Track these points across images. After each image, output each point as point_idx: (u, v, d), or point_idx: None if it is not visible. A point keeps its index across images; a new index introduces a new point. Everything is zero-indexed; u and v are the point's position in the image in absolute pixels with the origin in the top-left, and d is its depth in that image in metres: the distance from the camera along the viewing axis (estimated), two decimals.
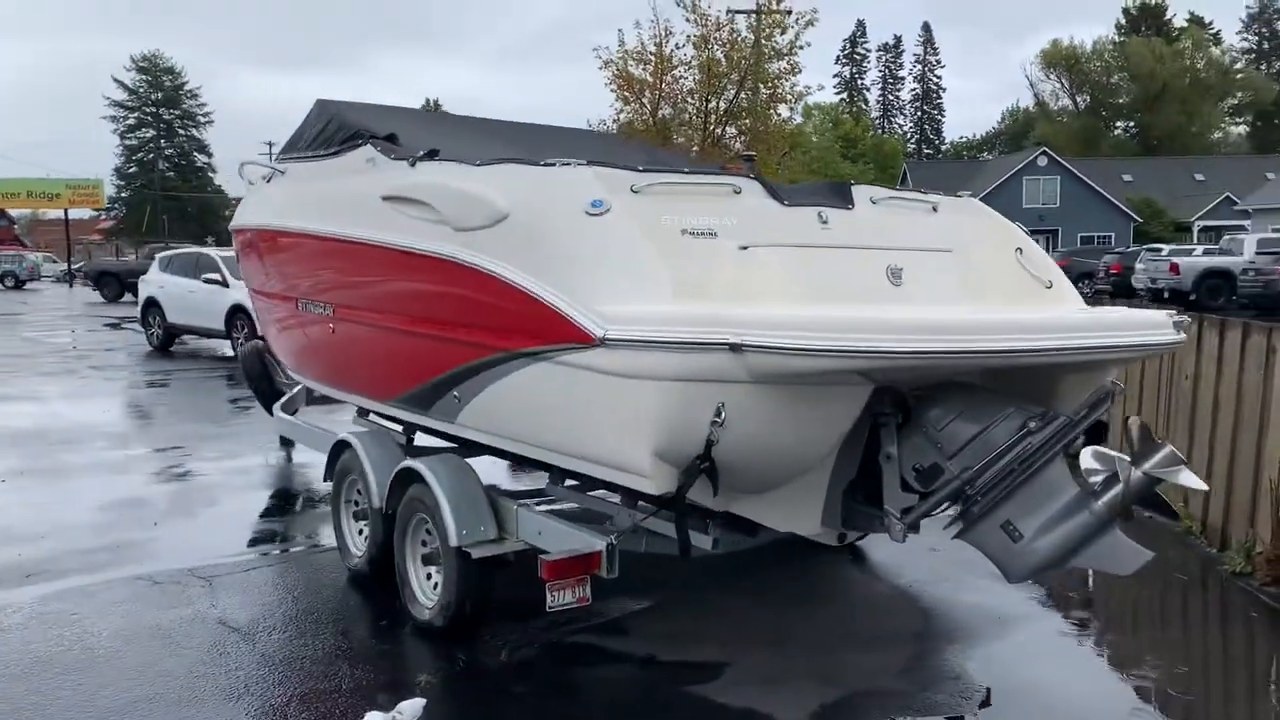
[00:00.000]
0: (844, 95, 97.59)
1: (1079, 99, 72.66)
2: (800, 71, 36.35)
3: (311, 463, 9.52)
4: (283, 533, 7.41)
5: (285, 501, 8.32)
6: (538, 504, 5.47)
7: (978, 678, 4.88)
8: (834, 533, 4.91)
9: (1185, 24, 76.35)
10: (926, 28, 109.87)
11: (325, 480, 6.60)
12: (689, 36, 34.35)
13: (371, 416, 7.51)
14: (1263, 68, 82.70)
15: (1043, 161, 57.11)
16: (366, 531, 6.27)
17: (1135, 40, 69.71)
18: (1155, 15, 77.68)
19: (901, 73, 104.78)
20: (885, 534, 4.70)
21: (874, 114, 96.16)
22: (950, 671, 4.96)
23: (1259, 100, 73.35)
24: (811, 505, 4.66)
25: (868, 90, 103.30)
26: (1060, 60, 70.92)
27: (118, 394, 14.62)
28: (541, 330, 4.34)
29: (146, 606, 5.82)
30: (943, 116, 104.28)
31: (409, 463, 5.51)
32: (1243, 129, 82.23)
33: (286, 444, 10.71)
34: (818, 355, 3.65)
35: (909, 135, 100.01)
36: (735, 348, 3.73)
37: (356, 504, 6.40)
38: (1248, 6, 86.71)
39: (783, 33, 33.89)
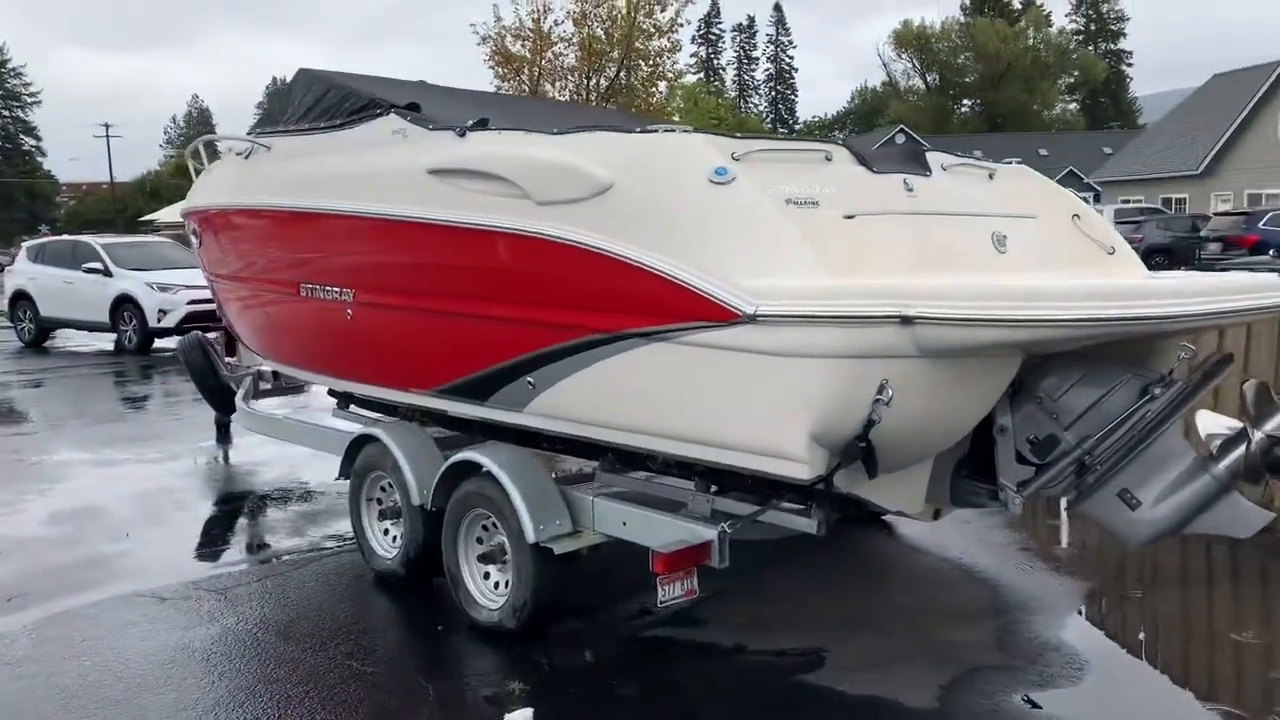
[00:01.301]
0: (700, 75, 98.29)
1: (929, 78, 75.15)
2: (680, 49, 36.50)
3: (255, 461, 8.97)
4: (274, 536, 6.87)
5: (254, 503, 7.73)
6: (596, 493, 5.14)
7: (1079, 648, 4.85)
8: (931, 509, 4.80)
9: (1021, 5, 79.72)
10: (778, 8, 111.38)
11: (340, 478, 6.12)
12: (569, 12, 34.02)
13: (353, 408, 7.08)
14: (1091, 48, 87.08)
15: (900, 139, 58.80)
16: (395, 531, 5.86)
17: (980, 21, 72.45)
18: None
19: (755, 53, 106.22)
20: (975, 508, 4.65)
21: (731, 93, 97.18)
22: (1048, 643, 4.92)
23: (1092, 79, 77.30)
24: (918, 482, 4.53)
25: (723, 70, 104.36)
26: (911, 41, 73.17)
27: (5, 396, 13.46)
28: (661, 308, 4.06)
29: (165, 627, 5.28)
30: (796, 96, 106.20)
31: (469, 455, 5.14)
32: (1074, 106, 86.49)
33: (224, 441, 10.07)
34: (997, 326, 3.50)
35: (765, 115, 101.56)
36: (906, 320, 3.55)
37: (380, 501, 5.96)
38: None
39: (663, 9, 33.88)
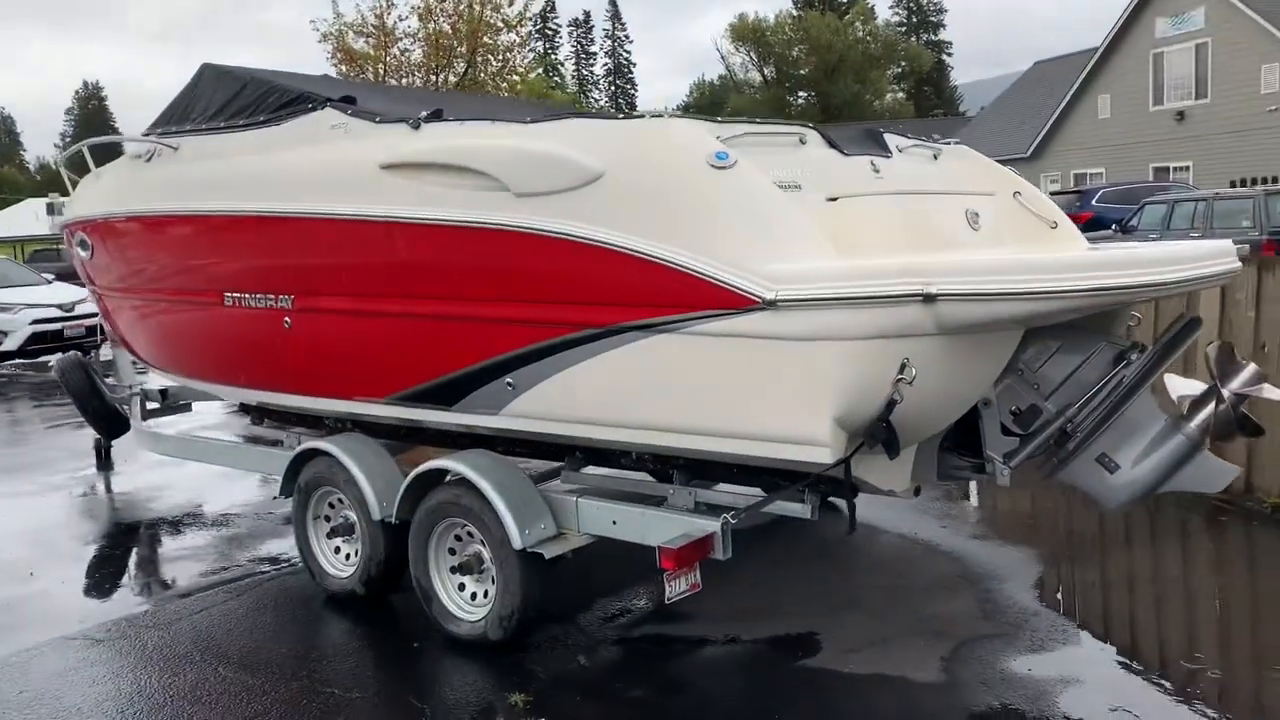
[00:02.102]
0: (539, 71, 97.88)
1: (766, 71, 76.79)
2: (530, 44, 36.17)
3: (151, 485, 8.46)
4: (202, 564, 6.42)
5: (166, 530, 7.20)
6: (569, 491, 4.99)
7: (1056, 612, 4.99)
8: (913, 487, 4.85)
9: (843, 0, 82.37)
10: (614, 3, 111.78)
11: (282, 496, 5.77)
12: (414, 7, 33.28)
13: (267, 422, 6.72)
14: (913, 39, 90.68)
15: None
16: (348, 548, 5.57)
17: (812, 15, 74.42)
18: None
19: (593, 48, 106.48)
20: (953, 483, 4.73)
21: (571, 88, 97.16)
22: (1027, 609, 5.04)
23: (918, 69, 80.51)
24: (905, 461, 4.55)
25: (562, 65, 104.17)
26: (748, 34, 74.56)
27: None
28: (664, 298, 3.95)
29: (110, 671, 4.86)
30: (636, 91, 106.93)
31: (443, 462, 4.91)
32: (902, 95, 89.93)
33: (105, 467, 9.42)
34: (1019, 299, 3.54)
35: (606, 109, 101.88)
36: (929, 298, 3.55)
37: (329, 519, 5.65)
38: None
39: (510, 3, 33.51)
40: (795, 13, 77.34)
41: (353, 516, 5.51)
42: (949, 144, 5.69)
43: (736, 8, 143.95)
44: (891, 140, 5.07)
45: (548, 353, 4.41)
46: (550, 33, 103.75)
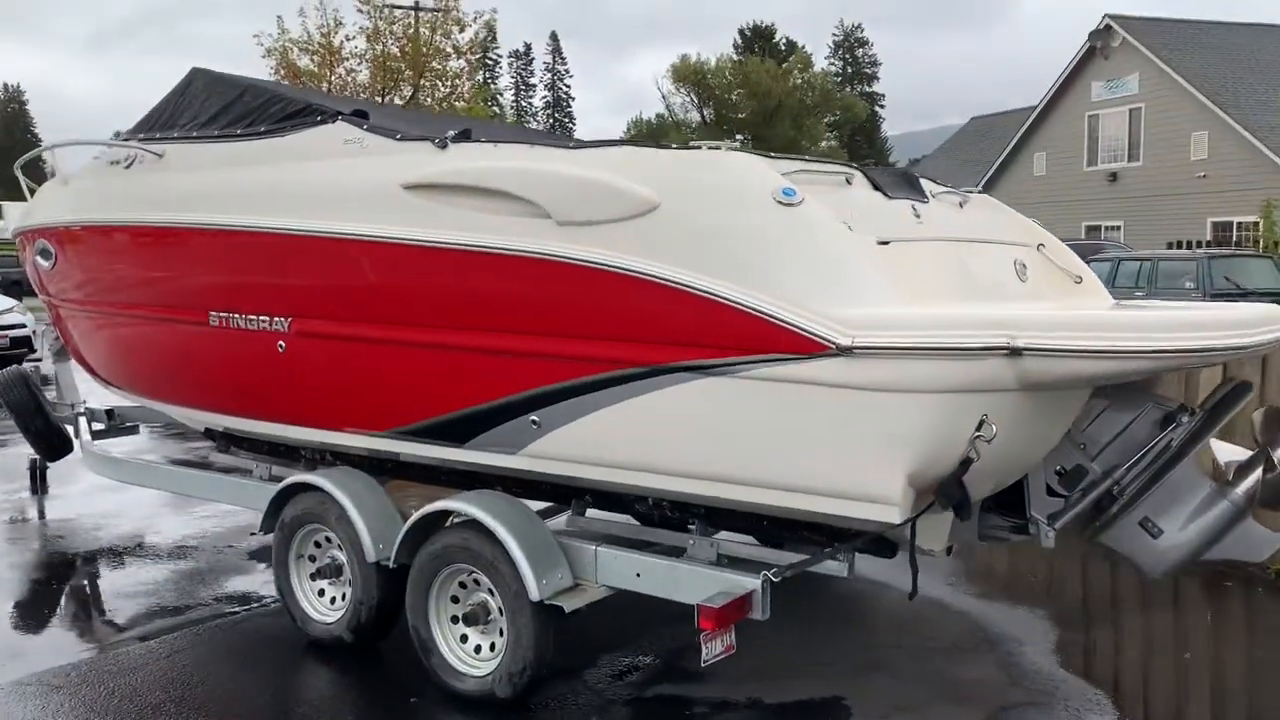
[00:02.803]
0: (482, 101, 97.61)
1: (705, 112, 77.47)
2: (481, 70, 35.89)
3: (95, 513, 7.94)
4: (164, 601, 5.96)
5: (118, 563, 6.70)
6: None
7: (1084, 678, 4.83)
8: (946, 546, 4.66)
9: (783, 47, 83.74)
10: (554, 37, 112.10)
11: (263, 533, 5.38)
12: (361, 28, 32.87)
13: (236, 452, 6.31)
14: (848, 89, 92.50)
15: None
16: (333, 591, 5.19)
17: (752, 60, 75.37)
18: (766, 37, 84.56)
19: (533, 80, 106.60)
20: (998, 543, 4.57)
21: (510, 118, 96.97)
22: (1053, 675, 4.87)
23: (853, 118, 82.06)
24: (945, 518, 4.37)
25: (501, 95, 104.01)
26: (689, 75, 75.19)
27: None
28: (723, 339, 3.72)
29: None
30: (574, 124, 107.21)
31: (451, 503, 4.59)
32: (834, 143, 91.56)
33: (40, 491, 8.83)
34: (1105, 357, 3.38)
35: None
36: (1014, 351, 3.37)
37: (313, 559, 5.27)
38: (834, 34, 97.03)
39: (461, 30, 33.28)
40: (736, 57, 78.33)
41: (341, 557, 5.14)
42: (971, 192, 5.57)
43: (672, 50, 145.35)
44: (926, 185, 4.92)
45: (582, 391, 4.13)
46: (491, 62, 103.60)
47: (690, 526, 4.64)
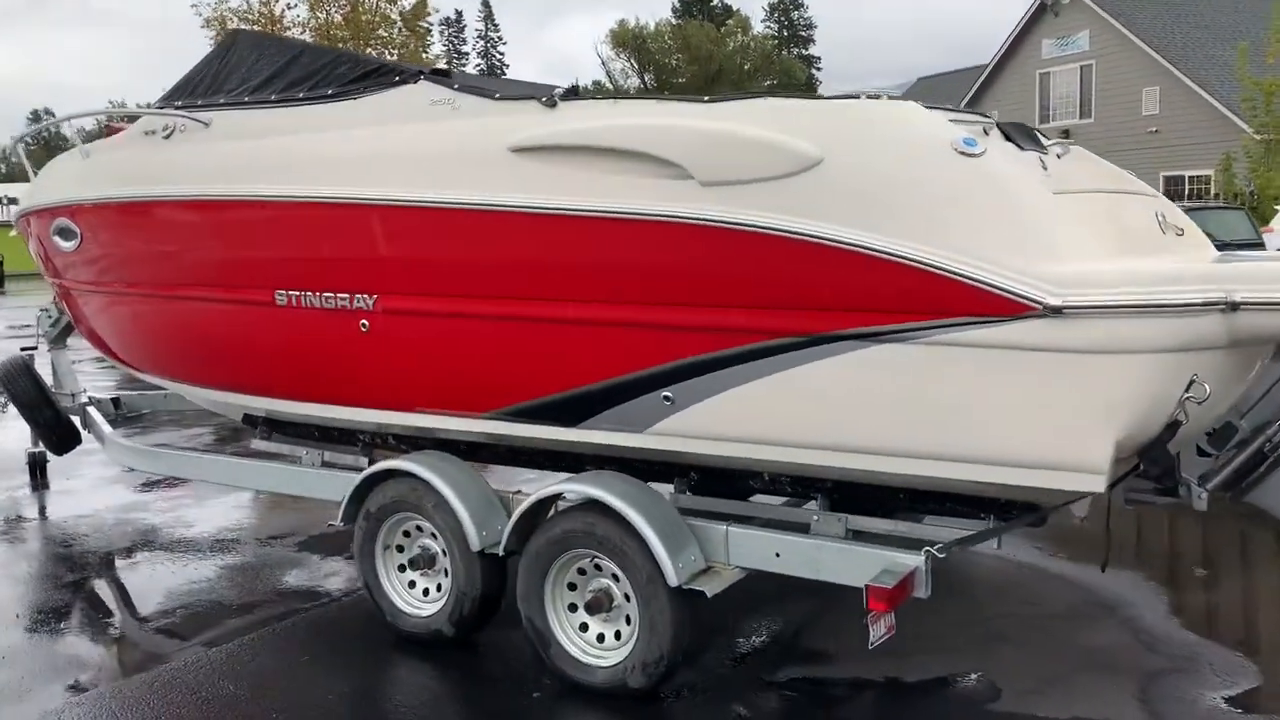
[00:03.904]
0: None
1: (645, 77, 76.89)
2: (428, 38, 35.08)
3: (112, 506, 7.57)
4: (215, 599, 5.60)
5: (153, 558, 6.30)
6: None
7: (1218, 642, 4.73)
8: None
9: (719, 10, 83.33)
10: (486, 4, 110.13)
11: (342, 524, 5.05)
12: None
13: (276, 436, 5.94)
14: (784, 53, 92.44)
15: None
16: (425, 583, 4.90)
17: (692, 24, 74.95)
18: (703, 0, 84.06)
19: (465, 48, 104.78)
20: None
21: None
22: (1185, 639, 4.75)
23: (793, 82, 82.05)
24: None
25: (434, 63, 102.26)
26: (628, 40, 74.51)
27: None
28: (903, 302, 3.48)
29: None
30: None
31: (574, 486, 4.32)
32: None
33: (41, 486, 8.35)
34: None
35: None
36: (1231, 306, 3.19)
37: (402, 549, 4.96)
38: None
39: None
40: (675, 21, 77.78)
41: (434, 547, 4.85)
42: (1070, 144, 5.39)
43: (603, 16, 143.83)
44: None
45: (727, 363, 3.88)
46: (422, 30, 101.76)
47: (814, 502, 4.42)
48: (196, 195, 5.18)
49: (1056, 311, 3.24)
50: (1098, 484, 3.40)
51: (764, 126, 3.69)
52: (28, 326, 17.83)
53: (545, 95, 4.27)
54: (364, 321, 4.77)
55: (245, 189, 4.98)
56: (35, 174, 6.95)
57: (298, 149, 4.90)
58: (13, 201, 38.80)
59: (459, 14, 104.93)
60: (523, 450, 4.97)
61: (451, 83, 4.59)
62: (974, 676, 4.42)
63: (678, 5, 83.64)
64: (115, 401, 8.03)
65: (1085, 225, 3.61)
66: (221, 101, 5.34)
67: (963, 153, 3.45)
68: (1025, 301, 3.28)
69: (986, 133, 4.11)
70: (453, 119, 4.49)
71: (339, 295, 4.80)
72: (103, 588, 5.93)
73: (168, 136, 5.52)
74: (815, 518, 4.34)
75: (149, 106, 5.82)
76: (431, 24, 39.20)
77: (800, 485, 4.39)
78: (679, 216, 3.80)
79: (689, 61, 72.80)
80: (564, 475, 4.58)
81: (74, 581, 6.02)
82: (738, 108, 3.83)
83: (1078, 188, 4.07)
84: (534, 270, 4.21)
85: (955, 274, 3.36)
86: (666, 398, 4.07)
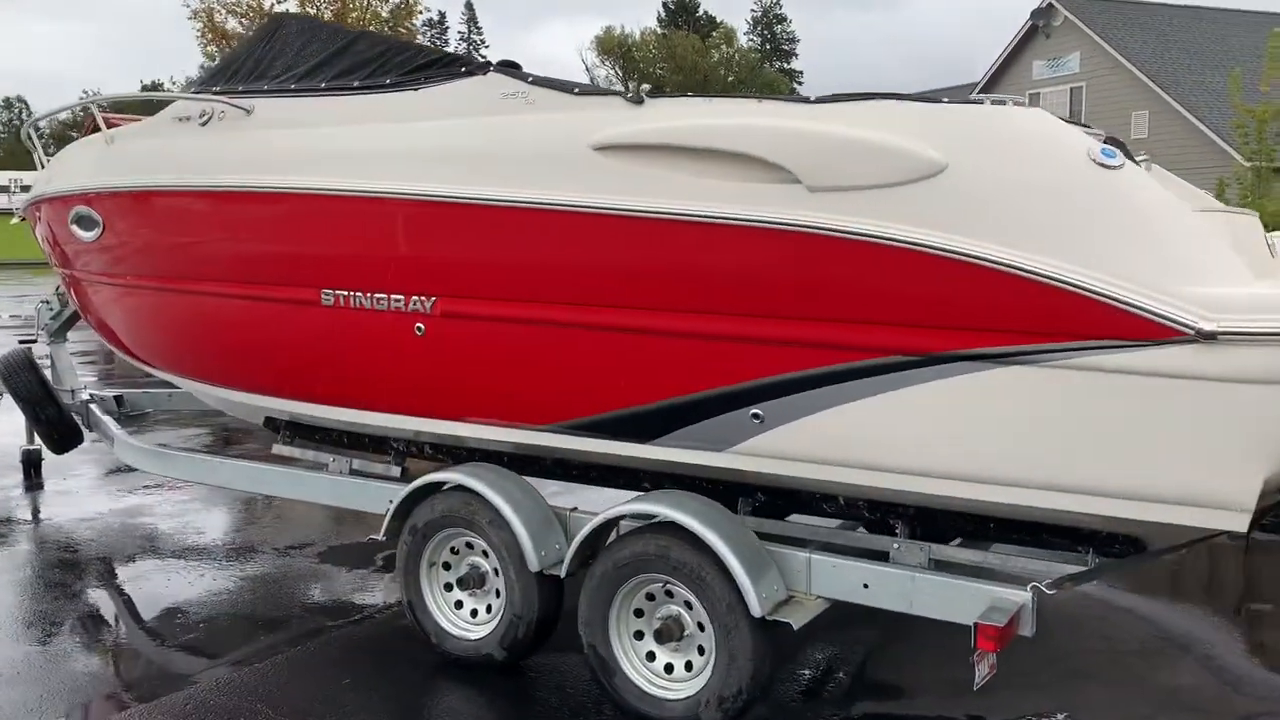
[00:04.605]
0: None
1: (630, 85, 76.87)
2: (415, 35, 34.72)
3: (121, 509, 7.22)
4: (238, 617, 5.30)
5: (169, 566, 5.98)
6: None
7: None
8: None
9: (704, 22, 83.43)
10: (469, 6, 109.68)
11: (384, 538, 4.76)
12: None
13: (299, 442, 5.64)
14: (767, 65, 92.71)
15: None
16: (474, 604, 4.63)
17: (678, 34, 75.03)
18: (689, 11, 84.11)
19: (448, 49, 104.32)
20: None
21: None
22: (1269, 681, 4.56)
23: (778, 92, 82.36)
24: None
25: None
26: (614, 47, 74.46)
27: None
28: (1031, 322, 3.25)
29: None
30: None
31: (648, 506, 4.06)
32: None
33: (35, 486, 7.99)
34: None
35: None
36: None
37: (448, 567, 4.69)
38: (752, 10, 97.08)
39: None
40: (659, 31, 77.79)
41: (485, 565, 4.58)
42: (1148, 161, 5.21)
43: (583, 21, 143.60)
44: None
45: (828, 381, 3.64)
46: (405, 32, 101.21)
47: (895, 530, 4.19)
48: (237, 186, 4.89)
49: (1209, 337, 3.03)
50: (1240, 522, 3.19)
51: (881, 130, 3.46)
52: (15, 318, 17.42)
53: (629, 92, 4.02)
54: (420, 325, 4.50)
55: (292, 181, 4.70)
56: (48, 160, 6.64)
57: (352, 140, 4.63)
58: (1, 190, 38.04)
59: (442, 15, 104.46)
60: (573, 464, 4.71)
61: (525, 75, 4.33)
62: (1061, 716, 4.19)
63: (663, 15, 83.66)
64: (118, 399, 7.69)
65: (1223, 245, 3.40)
66: (265, 88, 5.06)
67: (1101, 164, 3.25)
68: (1174, 326, 3.06)
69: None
70: (527, 113, 4.24)
71: (393, 296, 4.53)
72: (116, 598, 5.61)
73: (204, 123, 5.22)
74: (896, 545, 4.10)
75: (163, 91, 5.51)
76: (417, 25, 39.00)
77: (878, 510, 4.16)
78: (784, 223, 3.56)
79: (674, 71, 72.81)
80: (629, 494, 4.34)
81: (84, 591, 5.69)
82: (850, 109, 3.60)
83: (1205, 206, 3.88)
84: (616, 276, 3.95)
85: (1096, 294, 3.14)
86: (755, 415, 3.83)
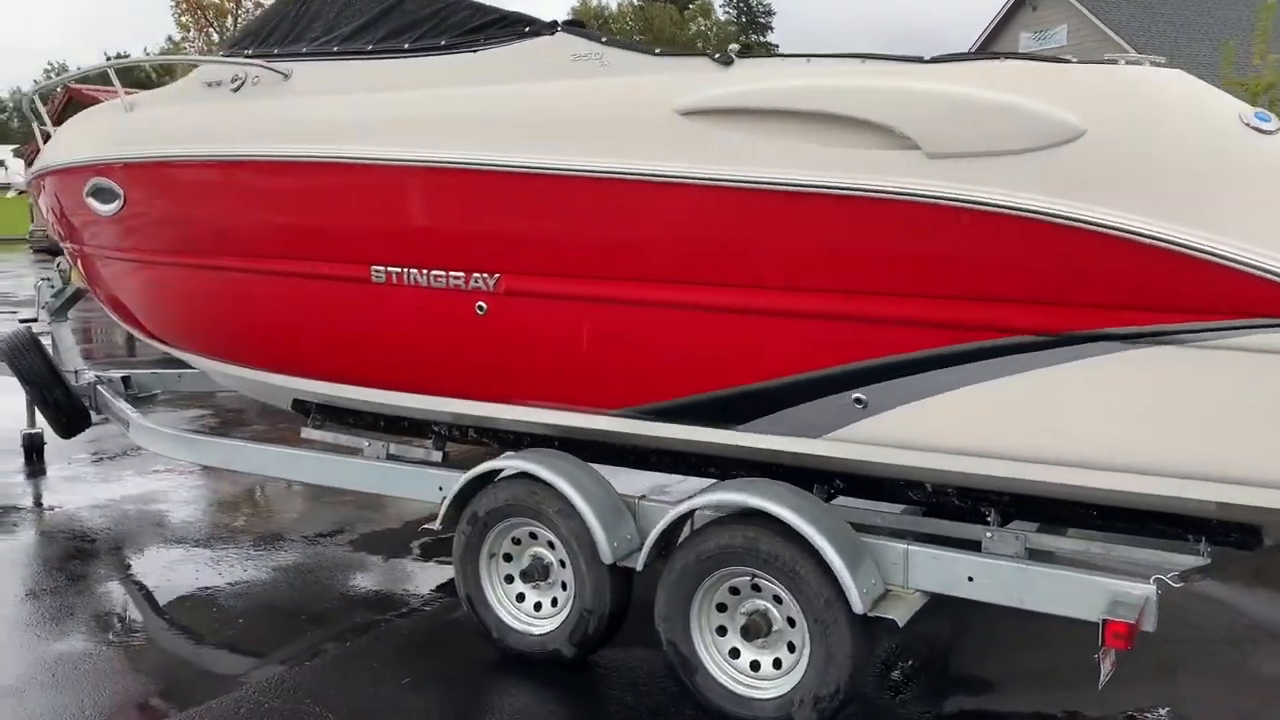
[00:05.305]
0: None
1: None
2: None
3: (134, 495, 6.90)
4: (276, 610, 5.03)
5: (189, 560, 5.67)
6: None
7: None
8: None
9: None
10: None
11: (440, 528, 4.50)
12: None
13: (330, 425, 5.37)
14: (743, 38, 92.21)
15: None
16: (539, 597, 4.39)
17: (656, 7, 74.29)
18: None
19: None
20: None
21: None
22: None
23: None
24: None
25: None
26: (590, 19, 73.63)
27: None
28: (1188, 299, 3.02)
29: None
30: None
31: (734, 495, 3.82)
32: None
33: (37, 473, 7.66)
34: None
35: None
36: None
37: (509, 558, 4.44)
38: None
39: None
40: (637, 3, 77.09)
41: (549, 557, 4.34)
42: None
43: None
44: None
45: (943, 363, 3.41)
46: None
47: (987, 518, 3.97)
48: (276, 155, 4.58)
49: None
50: None
51: (1012, 92, 3.21)
52: None
53: (720, 53, 3.75)
54: (481, 303, 4.22)
55: (340, 150, 4.39)
56: (52, 130, 6.29)
57: (405, 106, 4.34)
58: None
59: None
60: (636, 450, 4.47)
61: (598, 35, 4.05)
62: (1164, 711, 4.01)
63: None
64: (125, 380, 7.38)
65: None
66: (304, 51, 4.74)
67: (1256, 129, 3.01)
68: None
69: None
70: (601, 76, 3.96)
71: (453, 274, 4.25)
72: (145, 593, 5.30)
73: (236, 89, 4.91)
74: (989, 534, 3.90)
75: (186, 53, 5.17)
76: None
77: (968, 497, 3.94)
78: (898, 192, 3.31)
79: (651, 43, 72.14)
80: (674, 478, 4.10)
81: (109, 585, 5.40)
82: (972, 70, 3.35)
83: None
84: (702, 250, 3.70)
85: (1262, 270, 2.91)
86: (858, 400, 3.59)
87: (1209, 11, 31.75)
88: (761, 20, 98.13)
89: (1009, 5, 33.57)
